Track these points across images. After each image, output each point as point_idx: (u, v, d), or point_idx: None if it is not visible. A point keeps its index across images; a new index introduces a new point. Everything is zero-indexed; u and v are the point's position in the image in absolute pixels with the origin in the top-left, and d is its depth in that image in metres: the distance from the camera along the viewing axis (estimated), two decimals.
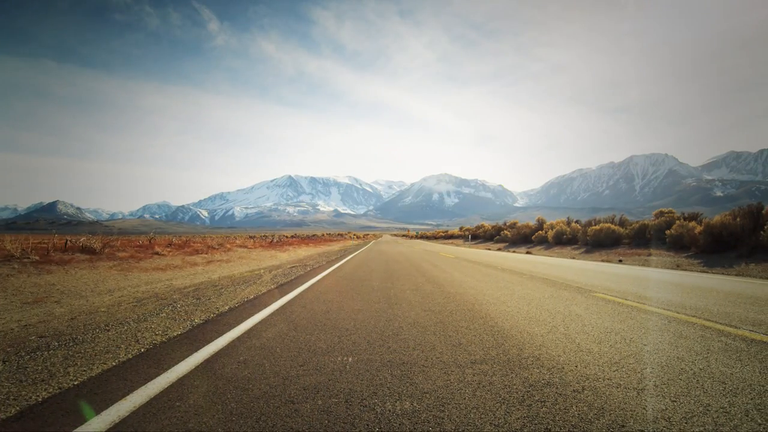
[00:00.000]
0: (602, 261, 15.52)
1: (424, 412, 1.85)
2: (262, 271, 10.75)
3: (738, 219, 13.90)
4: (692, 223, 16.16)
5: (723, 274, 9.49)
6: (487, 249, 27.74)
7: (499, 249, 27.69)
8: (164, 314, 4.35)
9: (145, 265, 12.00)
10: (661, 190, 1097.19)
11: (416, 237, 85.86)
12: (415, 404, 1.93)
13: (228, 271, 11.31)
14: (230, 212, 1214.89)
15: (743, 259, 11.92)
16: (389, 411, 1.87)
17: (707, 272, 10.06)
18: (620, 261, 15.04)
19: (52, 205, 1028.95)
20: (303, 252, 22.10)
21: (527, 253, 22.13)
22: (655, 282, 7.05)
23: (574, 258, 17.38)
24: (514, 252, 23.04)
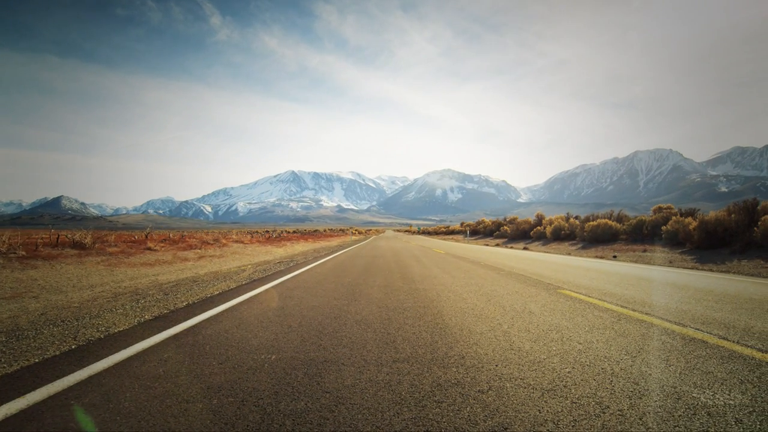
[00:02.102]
0: (596, 257, 15.38)
1: (312, 413, 1.82)
2: (249, 266, 10.77)
3: (733, 215, 13.69)
4: (688, 219, 15.94)
5: (712, 270, 9.35)
6: (485, 245, 27.61)
7: (497, 245, 27.55)
8: (121, 311, 4.36)
9: (134, 261, 12.08)
10: (665, 185, 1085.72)
11: (418, 233, 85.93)
12: (308, 404, 1.90)
13: (217, 266, 11.34)
14: (234, 208, 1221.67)
15: (736, 256, 11.74)
16: (278, 411, 1.84)
17: (697, 268, 9.91)
18: (614, 257, 14.89)
19: (57, 201, 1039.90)
20: (299, 248, 22.14)
21: (524, 249, 21.98)
22: (633, 279, 6.95)
23: (569, 254, 17.23)
24: (511, 248, 22.90)
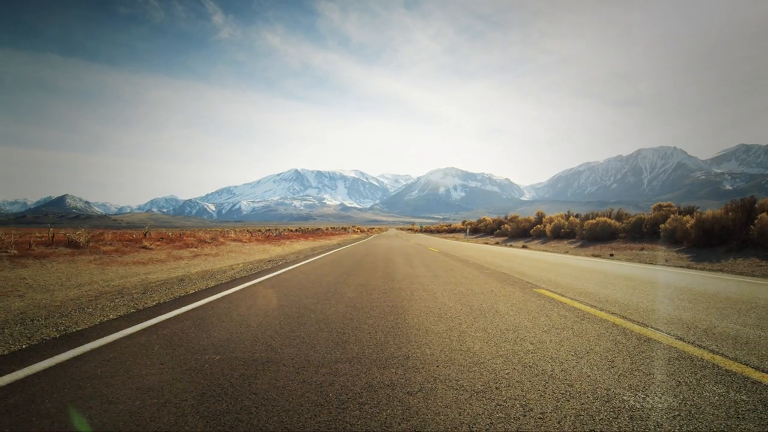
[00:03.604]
0: (592, 255, 15.25)
1: (229, 415, 1.80)
2: (239, 265, 10.78)
3: (730, 213, 13.52)
4: (686, 217, 15.78)
5: (705, 269, 9.23)
6: (485, 243, 27.49)
7: (496, 243, 27.42)
8: (89, 310, 4.37)
9: (127, 260, 12.14)
10: (669, 183, 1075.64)
11: (420, 231, 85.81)
12: (230, 406, 1.88)
13: (210, 265, 11.36)
14: (237, 206, 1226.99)
15: (732, 254, 11.60)
16: (195, 413, 1.82)
17: (691, 267, 9.79)
18: (611, 255, 14.76)
19: (61, 199, 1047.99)
20: (297, 246, 22.15)
21: (523, 247, 21.85)
22: (617, 278, 6.87)
23: (566, 252, 17.11)
24: (510, 246, 22.77)
